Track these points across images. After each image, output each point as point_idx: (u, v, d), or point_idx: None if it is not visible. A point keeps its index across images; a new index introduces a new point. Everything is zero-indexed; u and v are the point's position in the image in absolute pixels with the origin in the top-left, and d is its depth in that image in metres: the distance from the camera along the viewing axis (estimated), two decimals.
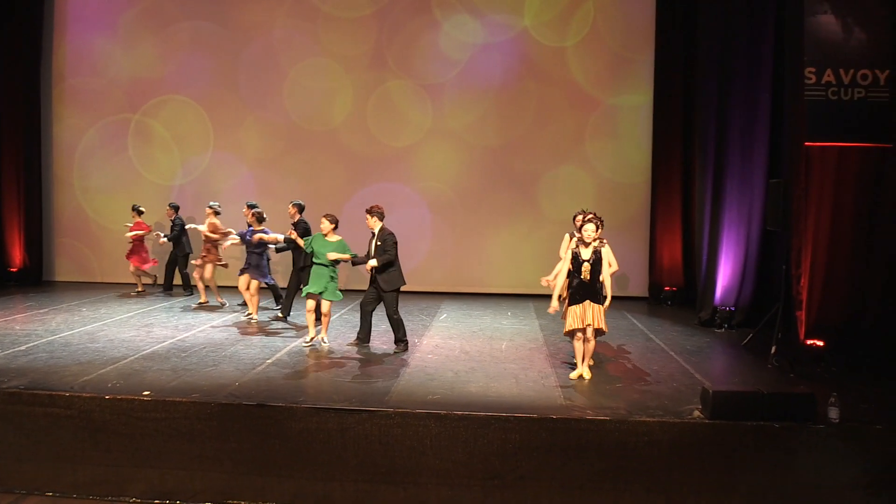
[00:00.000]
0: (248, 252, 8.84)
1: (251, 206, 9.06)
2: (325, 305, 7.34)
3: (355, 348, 7.38)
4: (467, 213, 11.47)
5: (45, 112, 12.03)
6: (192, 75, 11.77)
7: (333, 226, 7.35)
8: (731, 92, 8.71)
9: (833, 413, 5.14)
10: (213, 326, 8.42)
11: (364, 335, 7.52)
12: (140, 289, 10.72)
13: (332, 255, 7.21)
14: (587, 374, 6.31)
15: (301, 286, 7.98)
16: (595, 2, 11.05)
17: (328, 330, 7.57)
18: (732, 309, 8.67)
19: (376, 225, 7.26)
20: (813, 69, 6.72)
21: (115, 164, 11.98)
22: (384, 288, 7.19)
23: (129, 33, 11.86)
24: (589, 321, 6.20)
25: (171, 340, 7.58)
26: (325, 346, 7.39)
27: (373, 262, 7.11)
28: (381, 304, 7.31)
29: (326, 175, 11.58)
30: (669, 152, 10.72)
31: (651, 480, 5.10)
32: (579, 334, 6.27)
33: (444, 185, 11.47)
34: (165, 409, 5.50)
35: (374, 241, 7.22)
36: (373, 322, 7.55)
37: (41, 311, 9.23)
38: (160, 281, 11.14)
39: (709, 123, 9.01)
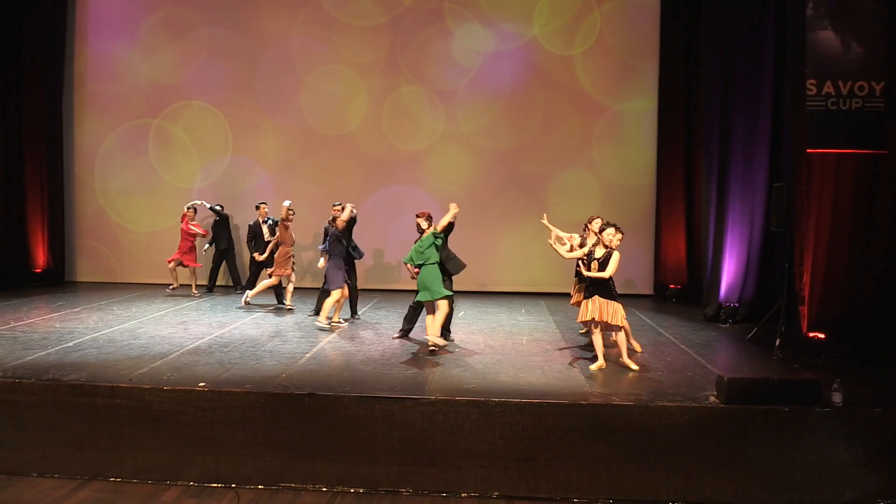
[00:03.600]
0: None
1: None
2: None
3: (390, 341, 7.83)
4: (478, 214, 11.88)
5: (67, 117, 12.37)
6: (211, 81, 12.14)
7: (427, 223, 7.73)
8: (734, 99, 9.14)
9: (837, 397, 5.61)
10: (244, 323, 8.83)
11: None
12: (175, 285, 11.11)
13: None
14: (634, 367, 6.73)
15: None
16: (602, 12, 11.51)
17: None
18: (736, 305, 9.12)
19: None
20: (814, 81, 7.20)
21: (135, 168, 12.34)
22: None
23: (149, 40, 12.21)
24: (597, 316, 6.68)
25: (209, 337, 7.98)
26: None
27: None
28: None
29: (341, 178, 11.98)
30: (673, 156, 11.17)
31: (671, 460, 5.57)
32: (595, 329, 6.76)
33: (456, 187, 11.89)
34: (221, 399, 5.89)
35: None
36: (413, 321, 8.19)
37: (74, 310, 9.59)
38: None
39: (712, 129, 9.47)
